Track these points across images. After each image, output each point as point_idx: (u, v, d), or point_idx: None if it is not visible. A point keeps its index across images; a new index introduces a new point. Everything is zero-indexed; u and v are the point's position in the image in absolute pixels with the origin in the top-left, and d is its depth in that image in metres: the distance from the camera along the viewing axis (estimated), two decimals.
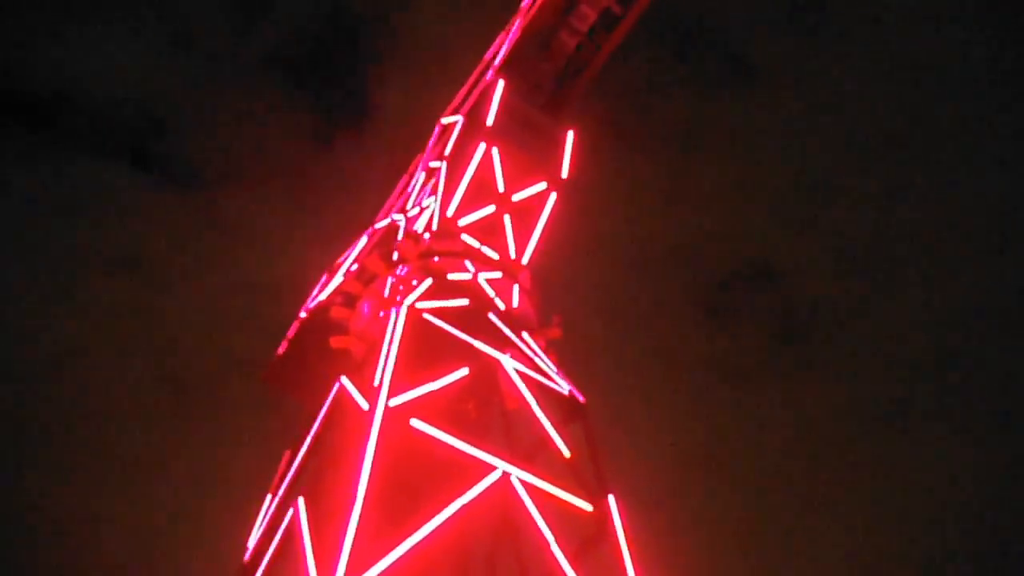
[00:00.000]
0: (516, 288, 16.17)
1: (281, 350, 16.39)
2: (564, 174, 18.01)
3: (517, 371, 13.35)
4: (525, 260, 16.98)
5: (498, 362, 13.35)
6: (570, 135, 18.71)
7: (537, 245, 17.27)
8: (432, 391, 12.17)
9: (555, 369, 14.62)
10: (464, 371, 12.69)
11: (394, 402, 11.33)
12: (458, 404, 12.78)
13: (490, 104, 17.54)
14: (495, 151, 17.26)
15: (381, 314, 13.74)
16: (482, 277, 15.73)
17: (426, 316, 13.00)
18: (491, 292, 15.49)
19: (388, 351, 11.71)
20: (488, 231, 16.93)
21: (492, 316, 14.70)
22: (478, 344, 13.37)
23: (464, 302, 14.48)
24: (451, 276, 15.06)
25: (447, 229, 16.06)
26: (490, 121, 17.28)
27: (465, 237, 16.25)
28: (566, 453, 12.88)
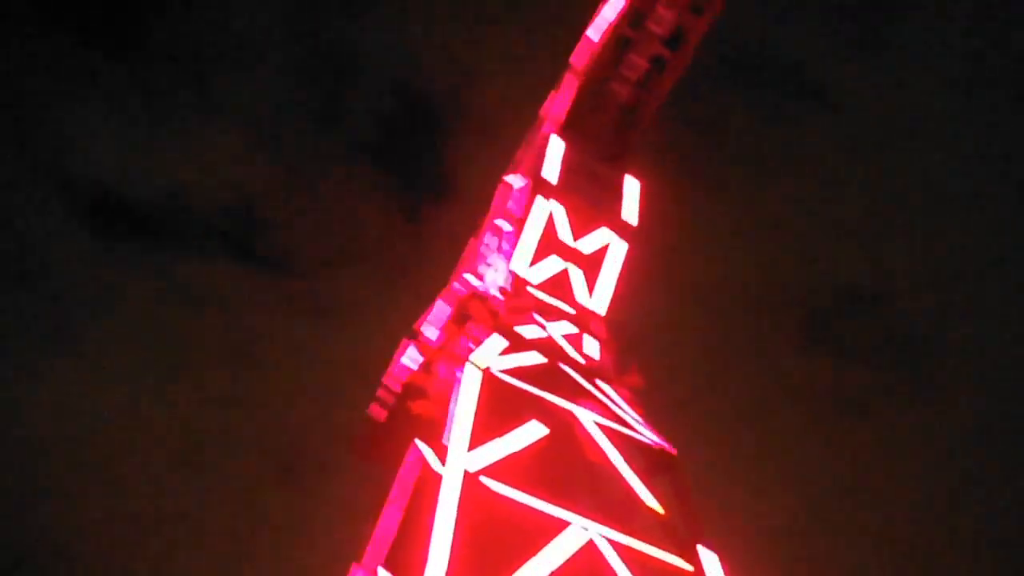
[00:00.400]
0: (591, 338, 15.78)
1: (365, 420, 16.51)
2: (630, 220, 17.72)
3: (596, 423, 12.83)
4: (600, 310, 16.63)
5: (574, 415, 12.88)
6: (633, 181, 18.48)
7: (612, 293, 16.92)
8: (508, 448, 11.81)
9: (639, 419, 13.99)
10: (538, 426, 12.28)
11: (467, 461, 11.04)
12: (538, 460, 12.33)
13: (549, 161, 17.59)
14: (558, 206, 17.21)
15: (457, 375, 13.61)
16: (555, 330, 15.45)
17: (495, 373, 12.76)
18: (565, 344, 15.15)
19: (455, 411, 11.50)
20: (560, 284, 16.74)
21: (566, 367, 14.32)
22: (551, 398, 12.97)
23: (537, 357, 14.20)
24: (522, 331, 14.84)
25: (516, 286, 15.96)
26: (551, 178, 17.31)
27: (535, 291, 16.09)
28: (656, 508, 12.15)
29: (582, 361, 14.98)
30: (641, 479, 12.25)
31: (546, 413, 12.85)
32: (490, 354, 13.41)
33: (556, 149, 17.82)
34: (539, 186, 17.32)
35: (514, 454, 11.93)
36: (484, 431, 11.86)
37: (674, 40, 18.82)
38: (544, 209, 16.97)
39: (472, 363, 12.68)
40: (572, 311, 16.16)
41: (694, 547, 11.71)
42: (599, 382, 14.54)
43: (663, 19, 18.45)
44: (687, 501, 12.26)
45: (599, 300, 16.70)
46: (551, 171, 17.37)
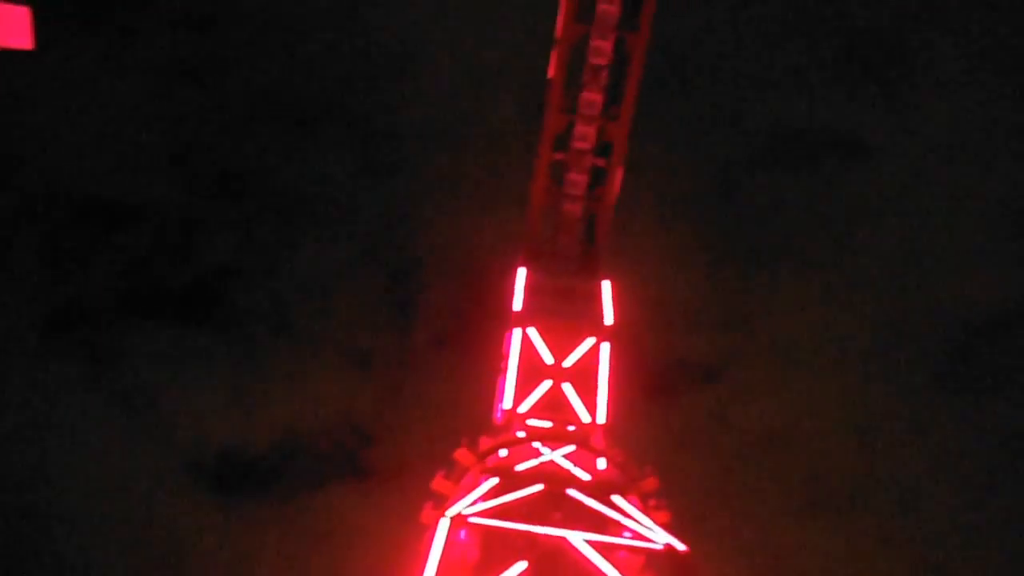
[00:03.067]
0: (596, 452, 14.65)
1: None
2: (607, 321, 17.00)
3: (590, 542, 11.56)
4: (600, 419, 15.58)
5: (565, 540, 11.68)
6: (607, 284, 17.94)
7: (607, 398, 15.92)
8: None
9: (651, 524, 12.56)
10: (522, 565, 11.16)
11: None
12: None
13: (515, 294, 17.42)
14: (533, 331, 16.80)
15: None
16: (558, 454, 14.48)
17: (472, 520, 11.89)
18: (568, 465, 14.12)
19: (425, 568, 10.63)
20: (555, 406, 15.93)
21: (572, 491, 13.24)
22: (540, 529, 11.89)
23: (536, 489, 13.24)
24: (520, 467, 13.98)
25: (508, 421, 15.28)
26: (516, 307, 17.07)
27: (531, 421, 15.33)
28: None
29: (587, 478, 13.85)
30: None
31: (535, 546, 11.72)
32: (471, 502, 12.59)
33: (520, 280, 17.71)
34: (511, 319, 17.06)
35: None
36: None
37: (604, 147, 18.92)
38: (519, 339, 16.57)
39: (445, 518, 11.90)
40: (573, 429, 15.20)
41: None
42: (614, 496, 13.32)
43: (585, 135, 18.67)
44: None
45: (597, 410, 15.71)
46: (517, 302, 17.15)
